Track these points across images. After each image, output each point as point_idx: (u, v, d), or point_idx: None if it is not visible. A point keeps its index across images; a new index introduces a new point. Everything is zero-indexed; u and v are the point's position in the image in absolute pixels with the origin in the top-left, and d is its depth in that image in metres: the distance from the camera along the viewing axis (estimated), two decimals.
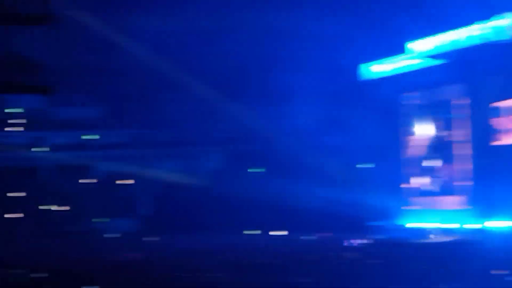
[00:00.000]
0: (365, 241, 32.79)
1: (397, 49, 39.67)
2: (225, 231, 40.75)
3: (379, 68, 43.18)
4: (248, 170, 47.07)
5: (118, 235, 44.25)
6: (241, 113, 43.40)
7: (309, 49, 41.24)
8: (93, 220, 47.02)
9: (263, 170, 46.63)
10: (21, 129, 48.24)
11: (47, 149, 49.31)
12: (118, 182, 49.20)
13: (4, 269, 25.06)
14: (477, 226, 37.53)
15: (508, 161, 37.99)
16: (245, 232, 41.90)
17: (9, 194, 41.63)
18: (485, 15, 34.29)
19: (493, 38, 33.89)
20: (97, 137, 50.81)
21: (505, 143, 36.73)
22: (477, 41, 34.60)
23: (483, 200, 38.58)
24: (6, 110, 46.11)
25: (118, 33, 42.94)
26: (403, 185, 43.81)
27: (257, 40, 40.07)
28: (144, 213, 48.77)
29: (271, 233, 41.97)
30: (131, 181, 49.26)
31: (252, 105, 43.50)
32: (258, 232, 42.26)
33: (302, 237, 38.20)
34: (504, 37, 33.04)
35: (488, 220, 37.37)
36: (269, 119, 44.22)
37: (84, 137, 50.55)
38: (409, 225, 39.94)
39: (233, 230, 41.19)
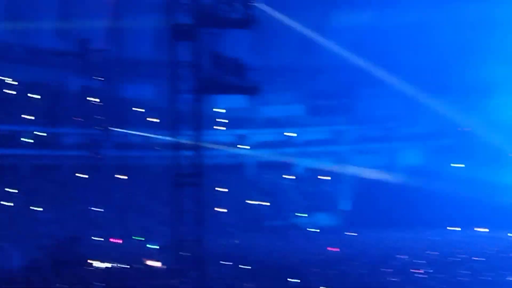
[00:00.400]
0: None
1: None
2: (425, 227, 40.01)
3: None
4: (450, 165, 45.77)
5: (318, 230, 44.88)
6: (441, 107, 42.38)
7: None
8: (295, 215, 48.04)
9: (463, 165, 45.16)
10: (226, 127, 50.48)
11: (249, 146, 51.21)
12: (318, 177, 49.94)
13: (214, 262, 26.38)
14: None
15: None
16: (449, 228, 40.81)
17: (217, 189, 43.77)
18: None
19: None
20: (297, 134, 51.97)
21: None
22: None
23: None
24: (214, 109, 48.41)
25: (317, 31, 43.66)
26: None
27: (458, 32, 38.94)
28: (343, 208, 49.10)
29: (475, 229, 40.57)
30: (330, 177, 49.80)
31: (452, 99, 42.32)
32: (459, 229, 41.01)
33: (509, 234, 36.61)
34: None
35: None
36: (470, 113, 42.79)
37: (286, 134, 51.90)
38: None
39: (433, 226, 40.31)
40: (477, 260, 25.65)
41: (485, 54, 39.64)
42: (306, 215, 48.20)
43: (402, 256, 27.35)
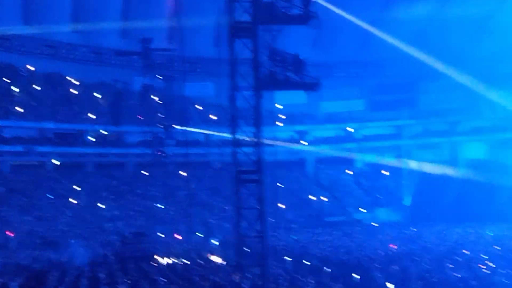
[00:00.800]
0: None
1: None
2: (489, 222, 39.28)
3: None
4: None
5: (377, 225, 44.56)
6: (505, 99, 41.49)
7: None
8: (355, 210, 47.84)
9: None
10: (287, 124, 50.60)
11: (310, 142, 51.22)
12: (380, 172, 49.62)
13: (276, 258, 26.53)
14: None
15: None
16: None
17: (278, 185, 43.83)
18: None
19: None
20: (358, 129, 51.76)
21: None
22: None
23: None
24: (275, 106, 48.57)
25: (376, 26, 43.32)
26: None
27: None
28: (405, 203, 48.65)
29: None
30: (391, 172, 49.41)
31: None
32: None
33: None
34: None
35: None
36: None
37: (346, 129, 51.74)
38: None
39: (497, 221, 39.52)
40: None
41: None
42: (366, 210, 47.95)
43: (465, 252, 27.00)
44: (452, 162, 47.92)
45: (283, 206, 43.60)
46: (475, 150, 47.69)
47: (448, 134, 49.21)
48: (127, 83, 49.46)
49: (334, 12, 39.60)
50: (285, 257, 27.56)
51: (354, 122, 51.82)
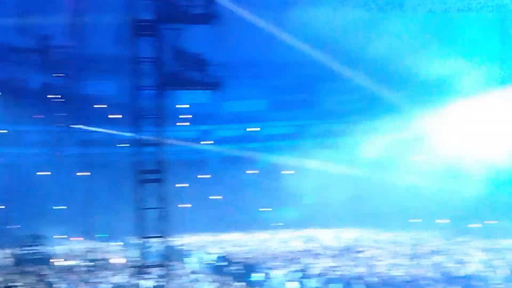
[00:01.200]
0: None
1: None
2: (387, 220, 40.50)
3: None
4: (411, 159, 46.29)
5: (282, 224, 45.14)
6: (399, 101, 42.78)
7: (472, 32, 39.86)
8: (258, 210, 48.30)
9: (424, 157, 45.64)
10: (189, 123, 50.51)
11: (213, 141, 51.32)
12: (281, 172, 50.20)
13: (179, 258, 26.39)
14: None
15: None
16: (411, 220, 41.43)
17: (180, 185, 43.68)
18: None
19: None
20: (260, 129, 52.19)
21: None
22: None
23: None
24: (177, 105, 48.38)
25: (278, 27, 43.78)
26: None
27: (414, 25, 39.26)
28: (306, 202, 49.40)
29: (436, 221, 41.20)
30: (293, 171, 50.08)
31: (409, 92, 42.68)
32: (420, 220, 41.51)
33: (468, 225, 37.32)
34: None
35: None
36: (427, 106, 43.11)
37: (249, 129, 52.10)
38: None
39: (394, 219, 40.82)
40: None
41: (440, 47, 40.04)
42: (270, 209, 48.44)
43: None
44: (351, 161, 49.04)
45: (186, 206, 43.55)
46: (372, 149, 48.90)
47: (347, 134, 50.24)
48: (25, 81, 48.02)
49: (236, 12, 39.79)
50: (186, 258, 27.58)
51: (257, 122, 52.25)
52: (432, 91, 42.26)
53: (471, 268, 19.54)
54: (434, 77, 40.02)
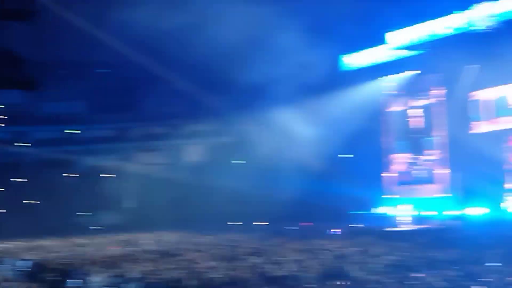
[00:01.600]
0: (345, 229, 33.28)
1: (378, 39, 40.27)
2: (207, 224, 40.96)
3: (360, 59, 43.84)
4: (231, 163, 47.30)
5: (103, 228, 44.37)
6: (222, 105, 43.59)
7: (288, 41, 41.44)
8: (77, 214, 47.18)
9: (244, 162, 46.81)
10: (3, 124, 48.30)
11: (29, 144, 49.41)
12: (101, 176, 49.34)
13: None
14: (456, 213, 38.40)
15: (484, 149, 38.83)
16: (228, 223, 42.22)
17: None
18: (462, 5, 34.88)
19: (469, 28, 34.52)
20: (80, 131, 50.95)
21: (482, 131, 37.45)
22: (453, 32, 35.28)
23: (461, 188, 39.52)
24: None
25: (98, 27, 42.99)
26: (383, 174, 44.55)
27: (235, 33, 40.15)
28: (127, 206, 48.92)
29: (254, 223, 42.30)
30: (114, 175, 49.41)
31: (233, 98, 43.60)
32: (240, 223, 42.47)
33: (285, 227, 38.64)
34: (480, 27, 33.64)
35: (466, 208, 38.25)
36: (247, 111, 44.23)
37: (67, 131, 50.68)
38: (390, 213, 40.67)
39: (215, 222, 41.40)
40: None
41: (263, 55, 41.27)
42: (90, 214, 47.49)
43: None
44: (173, 165, 49.23)
45: (1, 211, 41.68)
46: (194, 153, 49.40)
47: (168, 137, 50.34)
48: None
49: (57, 9, 38.60)
50: None
51: (76, 124, 50.93)
52: (253, 96, 43.49)
53: (287, 268, 20.26)
54: (254, 82, 41.17)
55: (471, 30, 34.06)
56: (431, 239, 26.54)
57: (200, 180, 43.72)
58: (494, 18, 32.84)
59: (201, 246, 28.91)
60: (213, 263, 21.98)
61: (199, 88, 43.24)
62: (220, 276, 19.28)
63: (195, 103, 45.91)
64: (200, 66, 41.95)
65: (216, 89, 43.21)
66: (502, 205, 37.34)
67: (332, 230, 34.01)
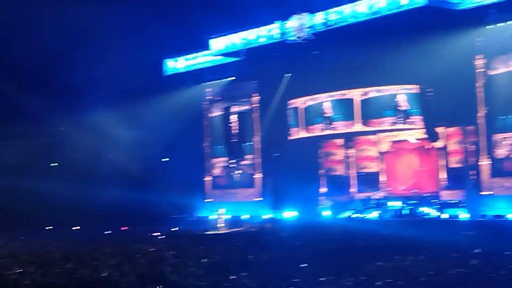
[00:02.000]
0: (164, 234, 33.39)
1: (202, 45, 40.81)
2: (23, 228, 39.42)
3: (183, 63, 44.23)
4: (48, 166, 45.75)
5: None
6: (39, 106, 42.04)
7: (110, 43, 40.92)
8: None
9: (61, 165, 45.43)
10: None
11: None
12: None
13: None
14: (270, 216, 39.81)
15: (300, 154, 40.63)
16: (46, 228, 40.89)
17: None
18: (281, 16, 36.19)
19: (280, 38, 35.95)
20: None
21: (299, 137, 39.11)
22: (265, 41, 36.59)
23: (274, 192, 41.06)
24: None
25: None
26: (204, 179, 45.23)
27: (54, 33, 38.99)
28: None
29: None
30: None
31: (50, 99, 42.20)
32: (55, 228, 41.17)
33: (104, 232, 38.06)
34: (293, 37, 35.12)
35: (280, 211, 39.76)
36: (66, 114, 43.12)
37: None
38: (210, 217, 41.33)
39: (30, 227, 39.91)
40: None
41: (82, 58, 40.39)
42: None
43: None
44: None
45: None
46: (8, 155, 47.23)
47: None
48: None
49: None
50: None
51: None
52: (71, 98, 42.56)
53: (102, 273, 20.02)
54: (73, 84, 40.31)
55: (285, 40, 35.47)
56: (246, 242, 27.28)
57: (14, 184, 41.86)
58: (306, 29, 34.39)
59: (13, 252, 27.81)
60: (24, 269, 21.23)
61: (13, 87, 41.46)
62: (29, 283, 18.69)
63: (8, 102, 43.83)
64: (16, 65, 40.37)
65: (32, 90, 41.67)
66: (317, 208, 39.23)
67: (152, 234, 34.00)
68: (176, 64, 44.40)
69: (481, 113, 33.11)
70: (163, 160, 44.96)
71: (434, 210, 35.56)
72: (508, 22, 31.21)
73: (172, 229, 35.99)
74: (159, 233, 32.83)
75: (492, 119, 32.87)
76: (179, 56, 44.01)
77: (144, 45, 42.06)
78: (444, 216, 34.11)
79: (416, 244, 23.13)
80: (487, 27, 31.84)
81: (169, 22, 41.73)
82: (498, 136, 32.75)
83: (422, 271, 16.84)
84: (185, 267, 20.08)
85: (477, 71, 33.24)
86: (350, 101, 36.68)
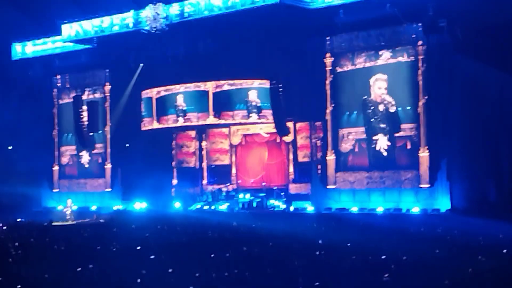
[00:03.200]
0: (6, 224, 32.09)
1: (53, 30, 39.39)
2: None
3: (32, 48, 42.50)
4: None
5: None
6: None
7: None
8: None
9: None
10: None
11: None
12: None
13: None
14: (119, 207, 39.38)
15: (150, 145, 40.42)
16: None
17: None
18: (138, 5, 35.59)
19: (134, 27, 35.45)
20: None
21: (152, 128, 38.79)
22: (118, 29, 35.96)
23: (124, 183, 40.65)
24: None
25: None
26: (53, 168, 43.97)
27: None
28: None
29: None
30: None
31: None
32: None
33: None
34: (143, 26, 34.73)
35: (129, 202, 39.42)
36: None
37: None
38: (58, 207, 40.28)
39: None
40: None
41: None
42: None
43: None
44: None
45: None
46: None
47: None
48: None
49: None
50: None
51: None
52: None
53: None
54: None
55: (140, 29, 35.01)
56: (94, 233, 26.84)
57: None
58: (161, 20, 34.10)
59: None
60: None
61: None
62: None
63: None
64: None
65: None
66: (168, 200, 39.19)
67: None
68: (25, 49, 42.62)
69: (329, 109, 34.25)
70: (8, 148, 43.19)
71: (282, 203, 36.51)
72: (355, 23, 32.38)
73: (17, 220, 34.64)
74: (1, 224, 31.49)
75: (339, 115, 34.10)
76: (28, 41, 42.24)
77: None
78: (291, 208, 35.08)
79: (262, 236, 23.65)
80: (336, 26, 32.89)
81: (19, 3, 40.19)
82: (343, 131, 33.99)
83: (269, 261, 17.23)
84: (27, 258, 19.42)
85: (326, 68, 34.31)
86: (204, 93, 36.82)
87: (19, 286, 14.99)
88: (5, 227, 31.28)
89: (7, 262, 18.81)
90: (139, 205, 38.81)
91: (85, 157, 42.49)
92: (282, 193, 37.52)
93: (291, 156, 38.74)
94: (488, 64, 29.10)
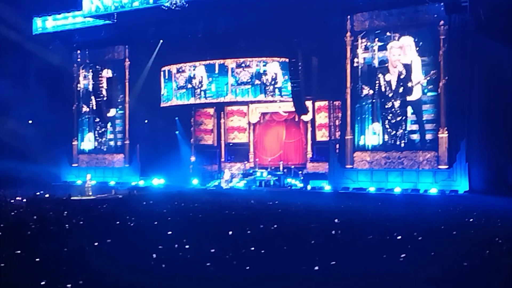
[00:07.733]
0: (26, 198, 32.30)
1: (75, 4, 39.40)
2: None
3: (52, 23, 42.54)
4: None
5: None
6: None
7: None
8: None
9: None
10: None
11: None
12: None
13: None
14: (138, 183, 39.54)
15: (168, 123, 40.48)
16: None
17: None
18: None
19: (154, 3, 35.32)
20: None
21: (167, 104, 38.82)
22: (139, 5, 35.83)
23: (142, 159, 40.76)
24: None
25: None
26: (72, 143, 44.19)
27: None
28: None
29: None
30: None
31: None
32: None
33: None
34: (163, 2, 34.59)
35: (147, 178, 39.58)
36: None
37: None
38: (79, 182, 40.64)
39: None
40: None
41: None
42: None
43: None
44: None
45: None
46: None
47: None
48: None
49: None
50: None
51: None
52: None
53: None
54: None
55: (159, 5, 34.89)
56: (112, 208, 26.94)
57: None
58: None
59: None
60: None
61: None
62: None
63: None
64: None
65: None
66: (186, 176, 39.34)
67: (13, 199, 32.82)
68: (45, 24, 42.68)
69: (349, 88, 34.08)
70: (28, 122, 43.41)
71: (299, 182, 36.50)
72: (376, 1, 32.05)
73: (36, 194, 34.89)
74: (20, 198, 31.72)
75: (358, 94, 33.94)
76: (48, 15, 42.30)
77: (12, 1, 40.22)
78: (308, 187, 35.06)
79: (280, 214, 23.64)
80: (357, 4, 32.65)
81: None
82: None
83: (285, 239, 17.23)
84: (46, 232, 19.54)
85: (347, 47, 34.12)
86: (223, 70, 36.71)
87: (38, 259, 15.09)
88: (24, 200, 31.53)
89: (26, 235, 18.93)
90: (157, 181, 38.98)
91: (104, 132, 42.70)
92: (300, 172, 37.51)
93: (309, 135, 38.66)
94: (511, 44, 28.74)
